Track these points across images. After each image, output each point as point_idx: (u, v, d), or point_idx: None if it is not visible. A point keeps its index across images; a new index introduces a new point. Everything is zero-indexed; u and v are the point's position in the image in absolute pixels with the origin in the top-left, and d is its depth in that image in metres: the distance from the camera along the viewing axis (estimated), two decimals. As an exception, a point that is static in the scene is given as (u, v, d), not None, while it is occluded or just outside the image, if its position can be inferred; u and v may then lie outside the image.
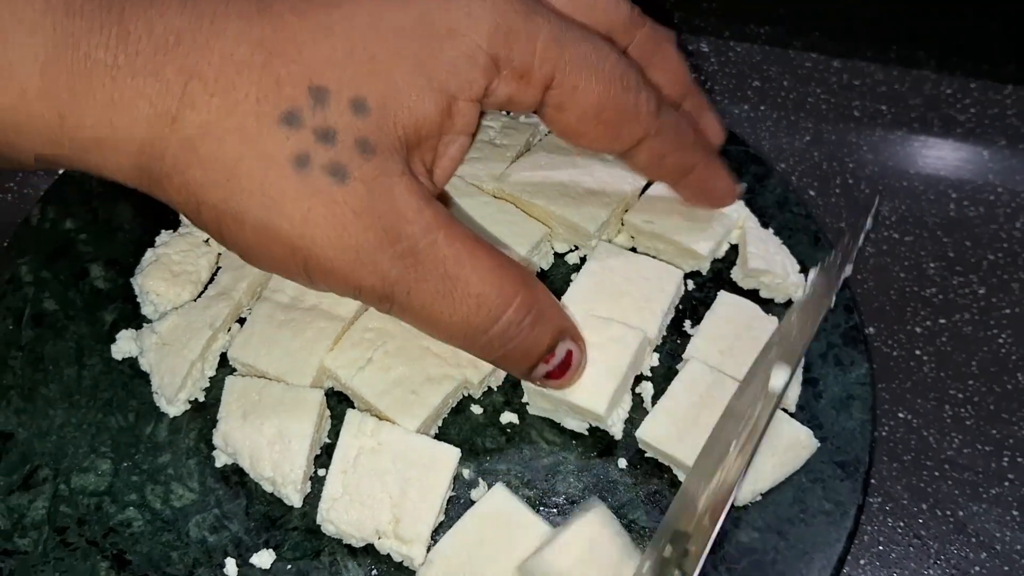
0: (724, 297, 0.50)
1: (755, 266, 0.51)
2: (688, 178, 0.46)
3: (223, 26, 0.34)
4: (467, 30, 0.36)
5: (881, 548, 0.49)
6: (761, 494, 0.46)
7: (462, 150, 0.39)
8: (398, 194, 0.34)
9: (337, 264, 0.34)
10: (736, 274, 0.53)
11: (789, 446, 0.46)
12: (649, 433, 0.46)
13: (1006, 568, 0.48)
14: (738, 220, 0.54)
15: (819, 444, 0.46)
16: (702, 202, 0.50)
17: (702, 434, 0.45)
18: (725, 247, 0.54)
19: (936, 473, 0.51)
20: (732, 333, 0.49)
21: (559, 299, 0.50)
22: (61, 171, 0.58)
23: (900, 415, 0.53)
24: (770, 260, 0.51)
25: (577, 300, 0.49)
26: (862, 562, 0.48)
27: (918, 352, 0.55)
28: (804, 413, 0.48)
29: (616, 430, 0.47)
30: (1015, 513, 0.49)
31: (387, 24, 0.35)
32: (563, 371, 0.42)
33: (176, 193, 0.35)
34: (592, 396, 0.45)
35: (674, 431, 0.45)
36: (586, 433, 0.48)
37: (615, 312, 0.48)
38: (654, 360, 0.50)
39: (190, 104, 0.33)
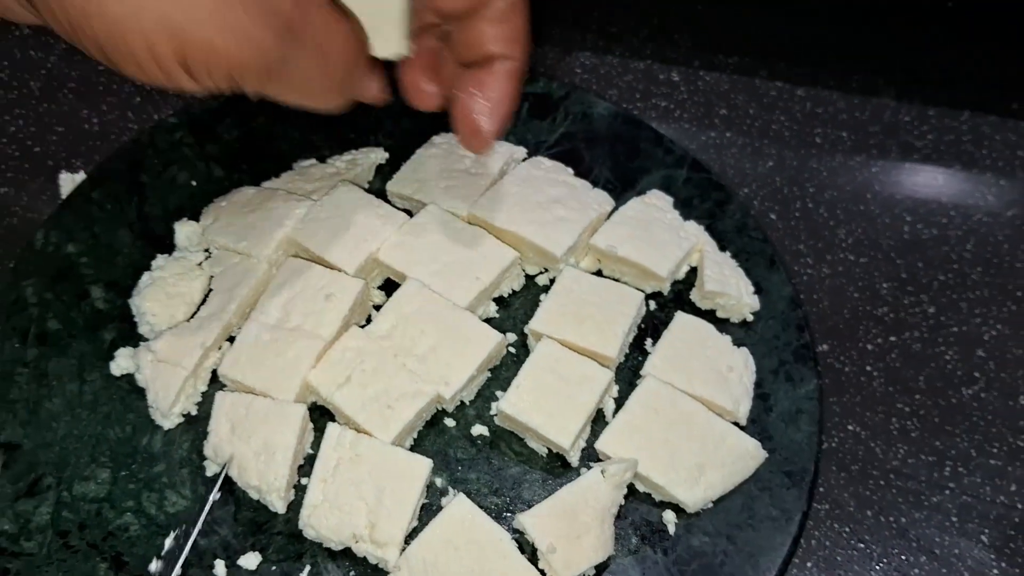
0: (680, 318, 0.54)
1: (711, 288, 0.54)
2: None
3: None
4: None
5: (827, 552, 0.52)
6: (712, 502, 0.49)
7: None
8: None
9: (219, 43, 0.34)
10: (695, 295, 0.57)
11: (739, 457, 0.49)
12: (608, 444, 0.49)
13: (944, 571, 0.51)
14: (697, 244, 0.57)
15: (767, 455, 0.50)
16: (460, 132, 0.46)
17: (658, 445, 0.49)
18: (685, 269, 0.58)
19: (881, 482, 0.54)
20: (687, 351, 0.52)
21: (529, 321, 0.53)
22: (64, 197, 0.61)
23: (849, 427, 0.56)
24: (725, 283, 0.55)
25: (545, 321, 0.53)
26: (809, 564, 0.51)
27: (868, 368, 0.59)
28: (755, 426, 0.52)
29: (574, 459, 0.51)
30: (954, 519, 0.53)
31: None
32: None
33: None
34: (560, 431, 0.49)
35: (632, 443, 0.49)
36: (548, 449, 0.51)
37: (580, 334, 0.52)
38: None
39: None
